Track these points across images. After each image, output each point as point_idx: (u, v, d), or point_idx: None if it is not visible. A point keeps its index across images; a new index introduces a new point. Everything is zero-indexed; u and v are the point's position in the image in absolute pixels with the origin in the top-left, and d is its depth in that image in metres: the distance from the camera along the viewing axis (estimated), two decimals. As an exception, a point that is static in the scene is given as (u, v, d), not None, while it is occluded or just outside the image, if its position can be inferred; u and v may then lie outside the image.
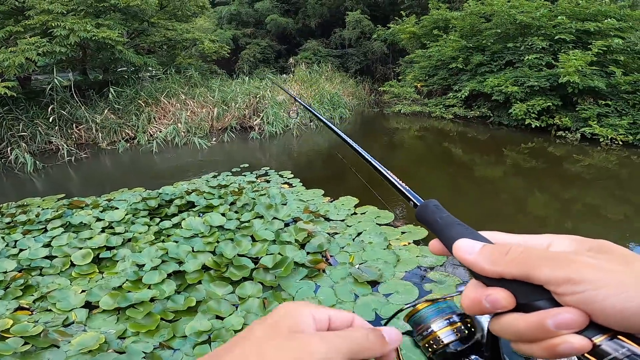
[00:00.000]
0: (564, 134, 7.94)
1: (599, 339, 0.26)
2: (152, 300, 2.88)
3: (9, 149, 7.38)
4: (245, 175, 5.83)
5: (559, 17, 8.43)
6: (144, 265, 3.23)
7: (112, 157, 7.82)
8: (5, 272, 3.20)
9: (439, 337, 0.39)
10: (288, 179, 5.68)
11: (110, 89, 8.87)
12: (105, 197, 5.05)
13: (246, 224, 3.98)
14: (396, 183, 0.48)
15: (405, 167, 6.74)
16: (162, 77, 9.92)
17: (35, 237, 3.74)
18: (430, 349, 0.40)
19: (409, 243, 3.75)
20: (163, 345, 2.53)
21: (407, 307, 0.43)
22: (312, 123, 9.55)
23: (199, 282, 3.11)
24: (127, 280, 3.06)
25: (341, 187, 5.20)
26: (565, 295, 0.27)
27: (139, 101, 8.95)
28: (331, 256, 3.57)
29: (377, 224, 4.13)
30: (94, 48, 8.73)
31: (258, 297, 2.91)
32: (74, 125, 8.31)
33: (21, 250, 3.54)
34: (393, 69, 14.36)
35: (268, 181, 5.62)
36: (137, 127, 8.60)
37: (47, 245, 3.62)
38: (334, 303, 2.90)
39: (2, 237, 3.73)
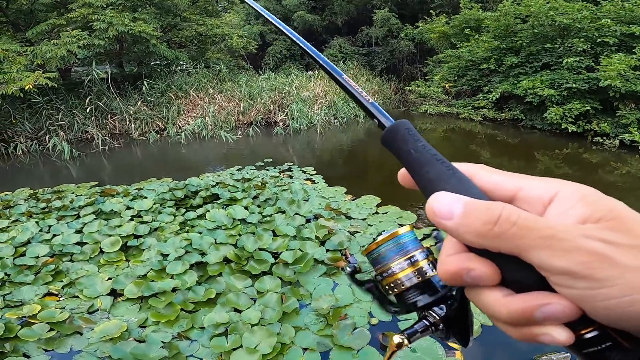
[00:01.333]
0: (601, 140, 7.48)
1: (586, 330, 0.24)
2: (174, 290, 2.88)
3: (47, 137, 7.65)
4: (268, 170, 5.81)
5: (603, 20, 7.95)
6: (168, 254, 3.25)
7: (142, 147, 7.98)
8: (38, 257, 3.27)
9: (400, 280, 0.33)
10: (311, 175, 5.62)
11: (144, 81, 9.05)
12: (135, 186, 5.13)
13: (268, 219, 3.95)
14: (357, 95, 0.39)
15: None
16: (192, 71, 10.04)
17: (68, 223, 3.83)
18: (392, 291, 0.34)
19: (431, 246, 3.60)
20: (181, 336, 2.52)
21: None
22: (336, 121, 9.43)
23: (220, 274, 3.09)
24: (151, 269, 3.08)
25: (363, 186, 5.09)
26: (559, 287, 0.23)
27: (170, 94, 9.09)
28: (351, 254, 3.49)
29: (398, 224, 4.01)
30: (130, 42, 8.91)
31: (276, 292, 2.87)
32: (109, 116, 8.53)
33: (54, 235, 3.62)
34: (420, 69, 13.99)
35: (291, 177, 5.57)
36: (167, 119, 8.75)
37: (79, 231, 3.69)
38: (351, 302, 2.82)
39: (37, 222, 3.84)
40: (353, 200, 4.62)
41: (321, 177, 5.48)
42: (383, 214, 4.26)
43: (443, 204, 0.26)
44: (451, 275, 0.26)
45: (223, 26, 11.07)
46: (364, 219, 4.13)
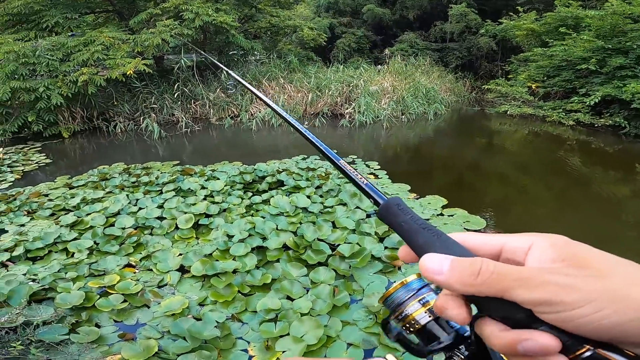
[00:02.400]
0: None
1: (580, 352, 0.26)
2: (234, 271, 2.95)
3: (141, 118, 8.43)
4: (332, 161, 5.76)
5: None
6: (233, 236, 3.36)
7: (219, 131, 8.43)
8: (124, 229, 3.56)
9: (415, 320, 0.36)
10: (374, 169, 5.44)
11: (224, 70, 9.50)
12: (210, 167, 5.41)
13: (329, 209, 3.91)
14: (351, 175, 0.44)
15: (504, 173, 5.95)
16: (265, 62, 10.31)
17: (152, 198, 4.15)
18: (410, 330, 0.36)
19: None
20: (234, 317, 2.57)
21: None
22: (403, 116, 9.03)
23: (277, 260, 3.12)
24: (217, 249, 3.21)
25: (429, 185, 4.80)
26: (543, 314, 0.27)
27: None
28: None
29: (465, 228, 3.71)
30: (212, 31, 9.38)
31: (329, 284, 2.81)
32: (192, 101, 9.14)
33: (140, 208, 3.94)
34: (501, 67, 12.81)
35: (354, 169, 5.45)
36: (241, 106, 9.13)
37: (160, 206, 3.98)
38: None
39: (127, 195, 4.23)
40: (417, 199, 4.38)
41: (385, 172, 5.29)
42: (449, 216, 3.97)
43: (433, 262, 0.31)
44: (439, 311, 0.32)
45: (294, 18, 11.17)
46: (427, 220, 3.88)
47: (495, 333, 0.29)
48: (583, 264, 0.28)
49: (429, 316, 0.36)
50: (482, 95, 12.33)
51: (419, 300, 0.37)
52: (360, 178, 0.43)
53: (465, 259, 0.30)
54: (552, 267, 0.28)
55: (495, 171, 6.05)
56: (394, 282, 0.39)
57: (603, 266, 0.27)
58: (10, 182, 5.40)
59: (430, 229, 0.34)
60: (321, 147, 0.49)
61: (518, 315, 0.28)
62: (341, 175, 4.89)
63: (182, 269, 3.07)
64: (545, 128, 8.66)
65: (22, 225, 3.86)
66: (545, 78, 9.80)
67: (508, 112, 9.62)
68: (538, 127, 8.79)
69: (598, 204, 4.75)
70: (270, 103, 0.60)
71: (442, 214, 4.01)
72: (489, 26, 11.87)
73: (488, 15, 12.65)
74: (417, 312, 0.36)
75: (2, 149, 6.73)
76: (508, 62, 12.08)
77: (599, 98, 8.07)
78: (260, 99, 0.58)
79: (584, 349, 0.26)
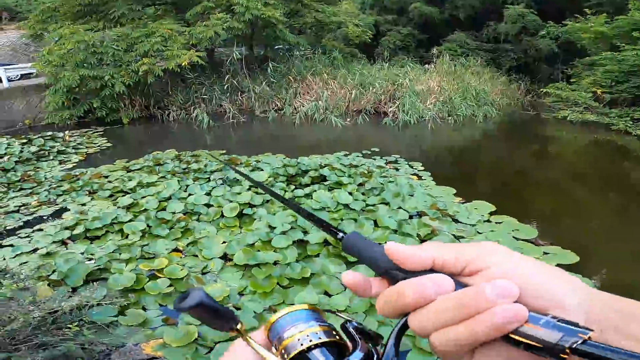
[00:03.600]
0: None
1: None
2: (275, 263, 2.91)
3: (192, 107, 8.70)
4: (374, 159, 5.58)
5: None
6: (275, 228, 3.32)
7: (263, 123, 8.51)
8: (174, 213, 3.64)
9: (288, 347, 0.30)
10: (418, 170, 5.20)
11: (270, 63, 9.57)
12: (255, 158, 5.44)
13: (371, 208, 3.77)
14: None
15: (558, 183, 5.44)
16: (310, 57, 10.24)
17: (201, 185, 4.23)
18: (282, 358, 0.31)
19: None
20: (272, 309, 2.52)
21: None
22: (450, 118, 8.58)
23: (317, 255, 3.05)
24: (259, 239, 3.18)
25: (475, 190, 4.52)
26: (476, 275, 0.26)
27: (289, 77, 9.44)
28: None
29: (513, 237, 3.43)
30: (260, 26, 9.44)
31: (369, 284, 2.70)
32: (239, 93, 9.30)
33: (190, 194, 4.02)
34: (563, 70, 11.86)
35: (397, 169, 5.25)
36: (285, 100, 9.14)
37: (208, 194, 4.03)
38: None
39: (178, 181, 4.34)
40: (462, 203, 4.11)
41: (429, 174, 5.03)
42: (496, 223, 3.69)
43: (397, 243, 0.30)
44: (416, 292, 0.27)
45: (339, 14, 10.97)
46: (472, 225, 3.64)
47: (445, 297, 0.26)
48: (482, 264, 0.27)
49: (301, 345, 0.30)
50: (538, 100, 11.44)
51: (305, 324, 0.31)
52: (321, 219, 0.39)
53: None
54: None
55: (550, 180, 5.56)
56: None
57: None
58: (75, 162, 5.76)
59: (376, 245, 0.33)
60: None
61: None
62: (384, 174, 4.74)
63: (225, 257, 3.08)
64: (609, 137, 7.86)
65: (84, 204, 4.08)
66: (613, 84, 8.94)
67: (568, 118, 8.85)
68: (601, 136, 7.99)
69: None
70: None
71: (489, 221, 3.73)
72: (551, 28, 11.02)
73: (549, 17, 11.69)
74: (291, 339, 0.30)
75: (68, 131, 7.21)
76: (571, 65, 11.15)
77: (673, 106, 7.24)
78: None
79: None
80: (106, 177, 4.84)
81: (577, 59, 10.76)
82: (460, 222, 3.69)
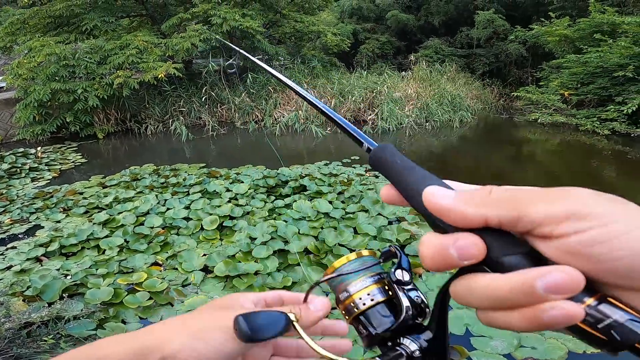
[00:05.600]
0: None
1: (588, 302, 0.21)
2: (256, 273, 2.98)
3: (170, 120, 8.69)
4: (354, 168, 5.74)
5: None
6: (255, 238, 3.40)
7: (243, 135, 8.58)
8: (152, 228, 3.66)
9: (355, 302, 0.31)
10: (396, 176, 5.38)
11: (249, 74, 9.68)
12: (235, 170, 5.50)
13: (351, 215, 3.89)
14: (341, 123, 0.39)
15: (534, 184, 5.64)
16: (289, 67, 10.42)
17: (180, 199, 4.25)
18: (347, 316, 0.32)
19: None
20: None
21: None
22: (427, 124, 8.89)
23: (298, 264, 3.13)
24: (240, 250, 3.25)
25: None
26: (565, 238, 0.21)
27: (269, 87, 9.57)
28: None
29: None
30: (239, 36, 9.58)
31: (352, 291, 2.80)
32: (218, 105, 9.34)
33: (168, 209, 4.04)
34: (532, 74, 12.42)
35: (377, 176, 5.42)
36: (265, 111, 9.25)
37: (187, 207, 4.07)
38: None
39: (156, 195, 4.36)
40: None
41: (407, 179, 5.21)
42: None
43: (439, 189, 0.26)
44: (436, 249, 0.24)
45: (318, 24, 11.24)
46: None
47: (495, 278, 0.22)
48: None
49: (372, 300, 0.31)
50: (511, 103, 11.97)
51: (371, 277, 0.32)
52: (352, 126, 0.38)
53: (472, 188, 0.27)
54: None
55: (525, 182, 5.83)
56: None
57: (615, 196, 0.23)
58: (48, 179, 5.67)
59: (427, 172, 0.30)
60: (310, 99, 0.46)
61: (515, 256, 0.22)
62: (364, 182, 4.88)
63: (206, 269, 3.13)
64: (578, 137, 8.32)
65: (58, 221, 4.04)
66: (579, 85, 9.42)
67: (539, 120, 9.31)
68: (570, 136, 8.46)
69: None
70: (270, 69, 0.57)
71: (465, 224, 3.92)
72: (518, 32, 11.56)
73: (517, 21, 12.30)
74: (361, 292, 0.31)
75: (40, 147, 7.08)
76: (539, 69, 11.69)
77: (637, 106, 7.72)
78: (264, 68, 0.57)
79: (590, 300, 0.21)
80: (81, 193, 4.80)
81: (544, 63, 11.30)
82: (438, 226, 3.85)
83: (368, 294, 0.31)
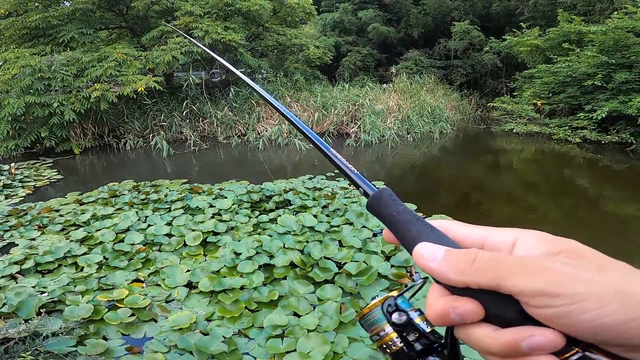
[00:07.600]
0: None
1: (569, 354, 0.24)
2: (241, 288, 3.00)
3: (151, 135, 8.63)
4: (338, 181, 5.84)
5: None
6: (240, 253, 3.42)
7: (226, 150, 8.60)
8: (133, 244, 3.65)
9: (393, 340, 0.35)
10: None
11: (231, 88, 9.77)
12: (218, 186, 5.51)
13: (336, 229, 3.97)
14: (341, 164, 0.42)
15: (511, 192, 5.99)
16: (272, 80, 10.57)
17: (161, 215, 4.24)
18: (387, 350, 0.35)
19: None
20: (241, 333, 2.60)
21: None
22: (409, 135, 9.17)
23: (284, 278, 3.17)
24: (224, 266, 3.26)
25: (435, 205, 4.86)
26: (539, 309, 0.25)
27: (252, 101, 9.68)
28: (416, 272, 3.35)
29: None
30: (221, 49, 9.70)
31: (336, 301, 2.85)
32: (200, 119, 9.35)
33: (149, 225, 4.03)
34: (506, 84, 12.98)
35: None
36: (248, 125, 9.32)
37: (169, 223, 4.06)
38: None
39: (137, 212, 4.33)
40: (424, 218, 4.43)
41: (390, 191, 5.35)
42: (454, 236, 4.01)
43: (427, 250, 0.30)
44: (439, 315, 0.29)
45: (301, 37, 11.48)
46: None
47: (488, 334, 0.27)
48: (580, 255, 0.26)
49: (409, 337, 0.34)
50: (488, 114, 12.46)
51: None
52: (351, 168, 0.42)
53: (460, 250, 0.30)
54: (550, 257, 0.27)
55: (502, 190, 6.10)
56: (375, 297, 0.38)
57: (600, 259, 0.26)
58: (22, 197, 5.55)
59: (422, 221, 0.33)
60: (310, 136, 0.47)
61: (509, 314, 0.26)
62: (348, 195, 4.98)
63: (190, 285, 3.12)
64: (552, 146, 8.74)
65: (33, 239, 3.97)
66: (550, 95, 9.86)
67: (514, 130, 9.72)
68: (544, 145, 8.87)
69: (606, 222, 4.78)
70: (258, 89, 0.59)
71: (448, 235, 4.05)
72: (492, 43, 12.06)
73: (492, 33, 12.87)
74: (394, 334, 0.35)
75: (14, 164, 6.92)
76: (513, 79, 12.22)
77: (605, 114, 8.11)
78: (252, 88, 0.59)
79: (572, 351, 0.24)
80: (57, 210, 4.71)
81: (517, 73, 11.83)
82: (421, 237, 3.96)
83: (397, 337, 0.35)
